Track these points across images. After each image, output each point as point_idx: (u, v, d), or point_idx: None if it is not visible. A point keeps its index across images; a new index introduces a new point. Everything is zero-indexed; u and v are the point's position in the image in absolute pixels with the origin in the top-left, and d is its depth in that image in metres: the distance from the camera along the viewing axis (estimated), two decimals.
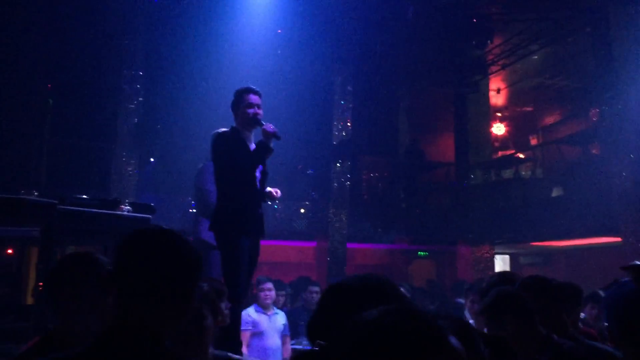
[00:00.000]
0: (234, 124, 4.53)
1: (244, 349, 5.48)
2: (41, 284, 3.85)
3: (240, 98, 4.48)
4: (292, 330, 6.59)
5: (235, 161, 4.31)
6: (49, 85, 10.43)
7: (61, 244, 4.78)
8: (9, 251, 8.00)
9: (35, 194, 3.75)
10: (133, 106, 10.14)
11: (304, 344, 6.71)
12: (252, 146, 4.45)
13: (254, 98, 4.48)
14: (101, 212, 4.05)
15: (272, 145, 4.38)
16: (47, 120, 10.50)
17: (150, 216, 4.44)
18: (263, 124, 4.41)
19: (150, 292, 1.46)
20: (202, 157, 6.91)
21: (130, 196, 9.48)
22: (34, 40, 9.59)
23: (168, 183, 10.94)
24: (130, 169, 10.04)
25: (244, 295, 4.41)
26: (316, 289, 7.26)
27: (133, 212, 4.41)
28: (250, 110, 4.44)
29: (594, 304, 4.28)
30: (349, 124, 11.81)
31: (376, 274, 1.50)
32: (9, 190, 7.82)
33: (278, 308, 6.62)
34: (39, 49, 9.73)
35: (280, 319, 6.10)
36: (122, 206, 4.32)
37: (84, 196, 4.12)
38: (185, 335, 2.26)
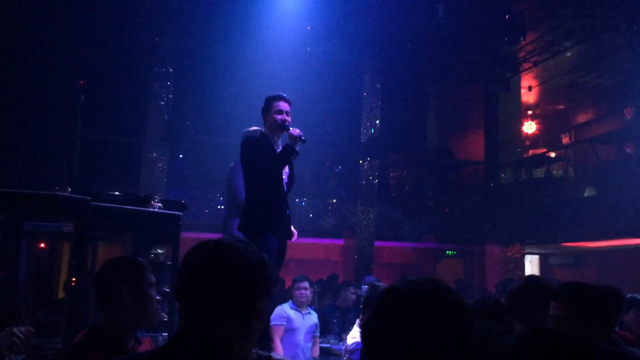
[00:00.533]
0: (263, 129, 4.68)
1: (277, 342, 5.55)
2: (74, 279, 3.89)
3: (270, 104, 4.63)
4: (323, 327, 6.59)
5: (263, 163, 4.43)
6: (81, 82, 10.57)
7: (93, 240, 4.82)
8: (41, 245, 8.13)
9: (69, 190, 3.78)
10: (163, 103, 10.23)
11: (331, 342, 6.71)
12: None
13: (283, 105, 4.62)
14: (133, 209, 4.07)
15: (297, 147, 4.53)
16: (79, 117, 10.65)
17: (181, 213, 4.45)
18: (290, 129, 4.55)
19: (213, 306, 1.42)
20: (230, 154, 6.94)
21: (160, 192, 9.57)
22: (66, 38, 9.73)
23: (196, 179, 11.02)
24: (159, 165, 10.13)
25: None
26: (354, 290, 7.32)
27: (164, 208, 4.42)
28: (279, 117, 4.58)
29: (637, 309, 4.17)
30: (377, 121, 11.75)
31: (432, 279, 1.47)
32: (42, 185, 7.95)
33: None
34: (71, 46, 9.86)
35: (312, 318, 6.11)
36: (154, 202, 4.33)
37: (116, 193, 4.14)
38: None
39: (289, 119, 4.63)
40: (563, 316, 2.48)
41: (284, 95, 4.66)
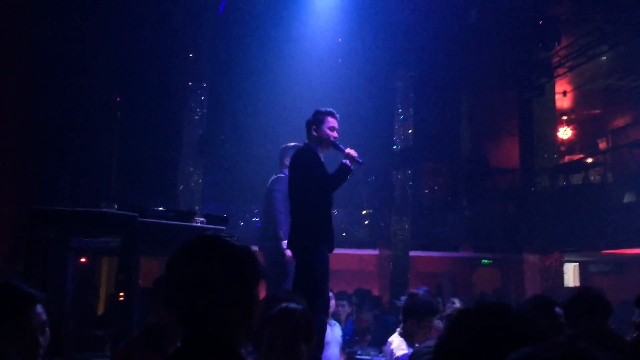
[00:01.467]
0: (308, 140, 4.71)
1: None
2: (122, 294, 3.95)
3: (324, 119, 4.64)
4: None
5: (321, 181, 4.48)
6: (118, 98, 10.76)
7: (137, 256, 4.88)
8: (82, 260, 8.26)
9: (115, 206, 3.84)
10: (198, 117, 10.35)
11: (372, 354, 6.66)
12: None
13: (335, 122, 4.67)
14: (178, 224, 4.12)
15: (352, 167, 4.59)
16: (116, 133, 10.84)
17: (224, 227, 4.49)
18: (343, 148, 4.58)
19: (216, 304, 1.42)
20: (264, 165, 6.97)
21: (196, 205, 9.66)
22: (103, 54, 9.92)
23: (231, 191, 11.11)
24: (195, 178, 10.24)
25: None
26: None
27: (207, 223, 4.46)
28: (332, 134, 4.62)
29: None
30: (410, 130, 11.70)
31: (500, 302, 1.46)
32: (82, 201, 8.09)
33: (342, 318, 6.59)
34: (108, 62, 10.06)
35: (338, 330, 6.10)
36: (197, 217, 4.38)
37: (161, 208, 4.19)
38: None
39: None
40: None
41: (335, 111, 4.70)
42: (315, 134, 4.63)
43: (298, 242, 4.44)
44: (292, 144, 5.91)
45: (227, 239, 1.51)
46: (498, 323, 1.38)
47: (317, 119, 4.65)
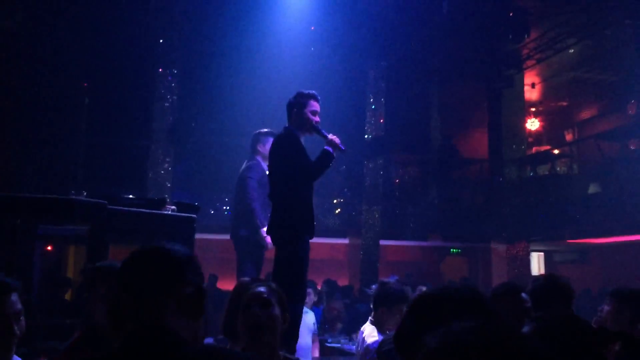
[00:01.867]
0: (288, 124, 4.49)
1: None
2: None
3: (307, 102, 4.42)
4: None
5: (303, 169, 4.31)
6: (85, 84, 10.57)
7: (106, 244, 4.82)
8: (49, 248, 8.11)
9: (85, 194, 3.78)
10: (168, 104, 10.22)
11: (342, 342, 6.72)
12: None
13: (317, 106, 4.45)
14: (148, 212, 4.07)
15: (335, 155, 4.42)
16: (83, 120, 10.65)
17: (195, 215, 4.45)
18: (325, 134, 4.39)
19: (153, 301, 1.49)
20: (235, 154, 6.90)
21: (166, 193, 9.57)
22: (69, 40, 9.72)
23: (202, 180, 11.03)
24: (165, 166, 10.13)
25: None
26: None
27: (178, 211, 4.42)
28: (315, 118, 4.41)
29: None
30: (381, 120, 11.75)
31: (467, 286, 1.48)
32: (49, 189, 7.94)
33: (308, 306, 6.62)
34: (75, 49, 9.85)
35: (310, 317, 6.09)
36: (168, 205, 4.34)
37: (131, 196, 4.14)
38: (255, 335, 2.25)
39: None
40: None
41: (318, 95, 4.49)
42: (296, 117, 4.44)
43: (281, 231, 4.28)
44: (266, 130, 5.82)
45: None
46: (454, 306, 1.39)
47: (300, 101, 4.43)
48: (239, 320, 2.32)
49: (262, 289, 2.36)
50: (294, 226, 4.24)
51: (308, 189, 4.36)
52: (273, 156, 4.47)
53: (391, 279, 4.12)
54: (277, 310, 2.31)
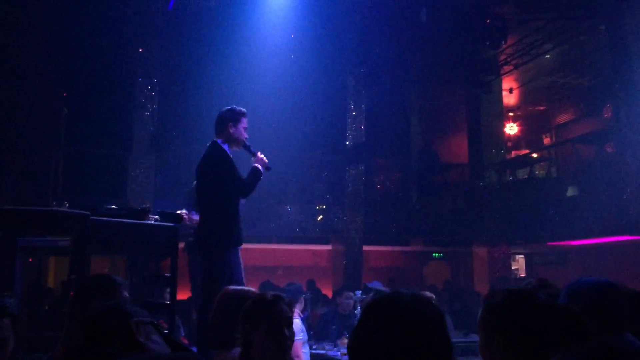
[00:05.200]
0: (219, 137, 4.68)
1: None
2: (72, 293, 3.87)
3: (240, 119, 4.68)
4: (319, 334, 6.59)
5: (235, 184, 4.55)
6: (64, 94, 10.47)
7: (88, 255, 4.79)
8: (30, 260, 8.01)
9: (67, 205, 3.76)
10: (148, 114, 10.18)
11: (327, 349, 6.71)
12: None
13: (246, 123, 4.74)
14: (131, 222, 4.06)
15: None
16: (62, 130, 10.54)
17: (178, 225, 4.44)
18: (254, 152, 4.70)
19: None
20: None
21: (147, 202, 9.51)
22: (48, 49, 9.64)
23: (183, 189, 10.95)
24: (146, 175, 10.07)
25: None
26: (351, 294, 7.33)
27: (161, 221, 4.41)
28: (245, 135, 4.71)
29: None
30: (362, 127, 11.80)
31: (412, 293, 1.51)
32: (27, 200, 7.85)
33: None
34: (53, 58, 9.77)
35: (297, 323, 6.08)
36: (150, 215, 4.32)
37: (113, 206, 4.13)
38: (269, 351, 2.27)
39: None
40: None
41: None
42: (231, 130, 4.63)
43: (210, 242, 4.47)
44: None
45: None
46: (400, 311, 1.42)
47: (233, 116, 4.67)
48: (257, 335, 2.32)
49: (286, 307, 2.39)
50: (224, 240, 4.45)
51: (236, 205, 4.59)
52: (204, 168, 4.66)
53: (375, 284, 4.17)
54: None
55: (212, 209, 4.54)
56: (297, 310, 6.00)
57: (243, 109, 4.74)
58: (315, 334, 7.12)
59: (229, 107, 4.74)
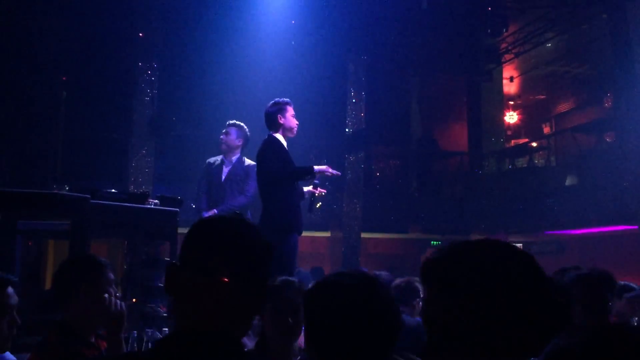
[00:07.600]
0: (273, 132, 4.92)
1: None
2: (57, 273, 3.91)
3: (286, 107, 4.91)
4: None
5: (294, 172, 4.87)
6: (64, 78, 10.45)
7: (88, 238, 4.81)
8: (29, 243, 8.04)
9: (67, 188, 3.77)
10: (148, 98, 10.16)
11: None
12: None
13: (293, 110, 5.01)
14: (131, 206, 4.08)
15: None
16: (62, 114, 10.53)
17: (178, 209, 4.46)
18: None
19: (229, 292, 1.23)
20: (215, 148, 6.92)
21: (147, 187, 9.53)
22: (48, 33, 9.59)
23: (183, 173, 10.97)
24: (146, 160, 10.08)
25: None
26: None
27: (161, 205, 4.43)
28: (296, 121, 4.96)
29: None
30: (362, 114, 11.78)
31: (361, 272, 1.53)
32: (27, 184, 7.85)
33: None
34: (53, 42, 9.73)
35: None
36: (150, 199, 4.34)
37: (113, 190, 4.14)
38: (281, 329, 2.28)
39: None
40: None
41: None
42: (282, 121, 4.85)
43: (275, 227, 4.61)
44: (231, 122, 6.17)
45: (240, 223, 1.33)
46: (341, 294, 1.45)
47: (282, 108, 4.88)
48: (264, 322, 2.33)
49: (294, 294, 2.35)
50: (287, 224, 4.69)
51: (297, 189, 4.89)
52: (259, 158, 4.94)
53: (383, 274, 4.35)
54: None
55: (269, 198, 4.81)
56: None
57: (286, 99, 4.93)
58: None
59: (273, 101, 4.94)
